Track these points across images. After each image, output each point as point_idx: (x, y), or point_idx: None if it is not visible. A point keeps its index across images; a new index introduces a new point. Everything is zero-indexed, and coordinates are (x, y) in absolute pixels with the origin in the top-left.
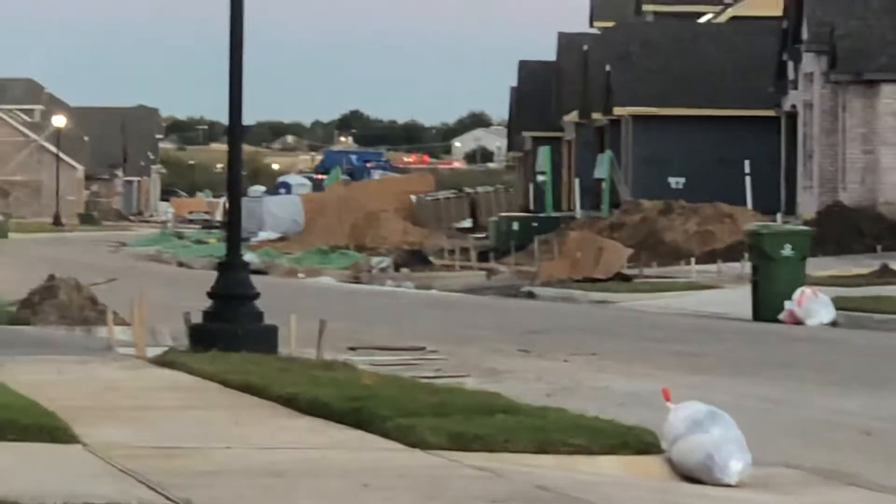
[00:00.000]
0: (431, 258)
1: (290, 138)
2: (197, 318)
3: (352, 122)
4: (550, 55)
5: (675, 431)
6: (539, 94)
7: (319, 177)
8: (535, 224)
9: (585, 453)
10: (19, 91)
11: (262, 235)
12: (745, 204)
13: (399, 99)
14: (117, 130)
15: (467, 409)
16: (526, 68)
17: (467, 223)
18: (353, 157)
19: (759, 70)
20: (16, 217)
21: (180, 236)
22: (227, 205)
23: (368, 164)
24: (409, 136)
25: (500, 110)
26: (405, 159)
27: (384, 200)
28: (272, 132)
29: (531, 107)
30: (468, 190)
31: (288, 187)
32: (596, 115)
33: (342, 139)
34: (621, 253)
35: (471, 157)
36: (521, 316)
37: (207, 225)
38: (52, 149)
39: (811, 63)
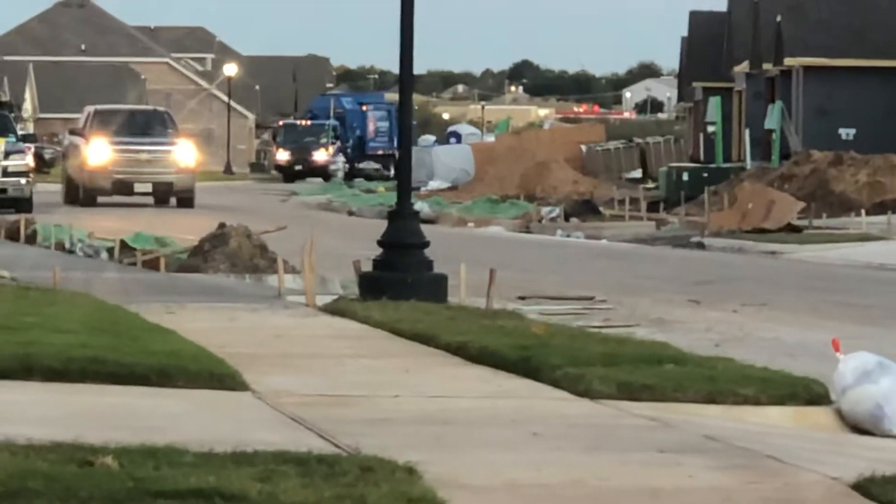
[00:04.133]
0: (601, 208)
1: (460, 88)
2: (367, 267)
3: (523, 72)
4: (721, 5)
5: (843, 382)
6: (709, 44)
7: (304, 123)
8: (705, 175)
9: (754, 403)
10: (191, 40)
11: (432, 185)
12: None
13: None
14: (288, 79)
15: (636, 359)
16: (696, 18)
17: (637, 173)
18: (347, 101)
19: None
20: None
21: (350, 185)
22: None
23: (364, 108)
24: (580, 86)
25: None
26: (575, 109)
27: (555, 150)
28: (443, 82)
29: (701, 57)
30: (638, 140)
31: (458, 137)
32: (766, 66)
33: (512, 89)
34: (792, 205)
35: (641, 108)
36: (690, 266)
37: (377, 175)
38: (224, 97)
39: None
